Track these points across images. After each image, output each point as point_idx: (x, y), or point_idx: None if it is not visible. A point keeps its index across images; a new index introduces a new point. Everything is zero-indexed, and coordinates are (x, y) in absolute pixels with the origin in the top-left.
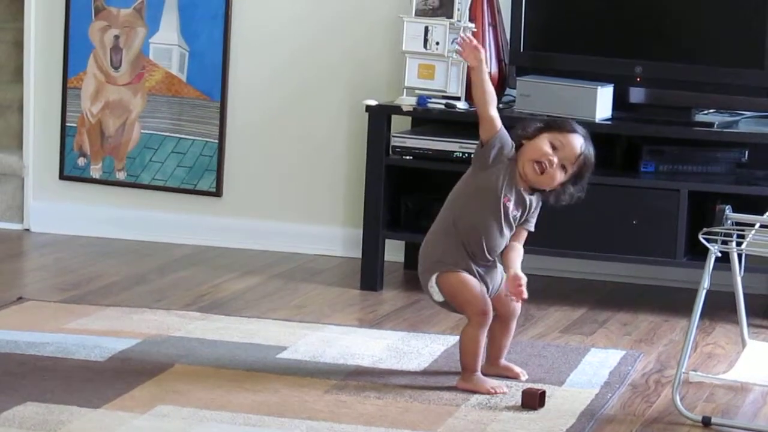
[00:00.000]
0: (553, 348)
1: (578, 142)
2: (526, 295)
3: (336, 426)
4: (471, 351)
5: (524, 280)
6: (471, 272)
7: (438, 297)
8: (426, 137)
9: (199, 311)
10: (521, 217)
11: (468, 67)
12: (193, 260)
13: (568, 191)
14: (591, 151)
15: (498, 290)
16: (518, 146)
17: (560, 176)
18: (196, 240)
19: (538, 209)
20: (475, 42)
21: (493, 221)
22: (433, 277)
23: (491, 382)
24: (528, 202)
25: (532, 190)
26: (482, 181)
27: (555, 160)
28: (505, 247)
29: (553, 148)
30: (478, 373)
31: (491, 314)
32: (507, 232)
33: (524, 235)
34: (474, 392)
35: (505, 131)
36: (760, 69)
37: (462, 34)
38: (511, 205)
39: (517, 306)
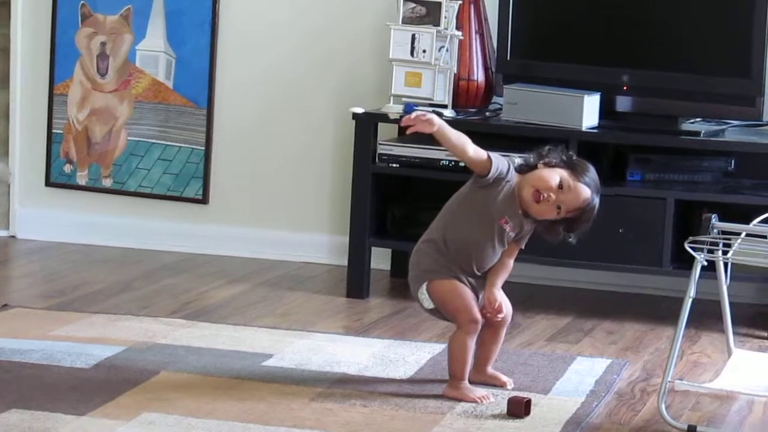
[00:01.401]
0: (539, 356)
1: (584, 195)
2: (501, 316)
3: None
4: (459, 358)
5: (498, 302)
6: (461, 281)
7: (428, 304)
8: (413, 145)
9: (185, 318)
10: (515, 236)
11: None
12: (180, 267)
13: (558, 230)
14: (593, 207)
15: None
16: (533, 167)
17: (552, 214)
18: (183, 247)
19: (532, 231)
20: (421, 114)
21: (486, 241)
22: (424, 285)
23: (478, 392)
24: (523, 225)
25: (526, 214)
26: (480, 199)
27: (552, 197)
28: (496, 264)
29: (559, 186)
30: (466, 381)
31: (481, 322)
32: (499, 251)
33: (516, 251)
34: (460, 400)
35: (496, 156)
36: (747, 78)
37: (408, 117)
38: (508, 227)
39: (508, 314)
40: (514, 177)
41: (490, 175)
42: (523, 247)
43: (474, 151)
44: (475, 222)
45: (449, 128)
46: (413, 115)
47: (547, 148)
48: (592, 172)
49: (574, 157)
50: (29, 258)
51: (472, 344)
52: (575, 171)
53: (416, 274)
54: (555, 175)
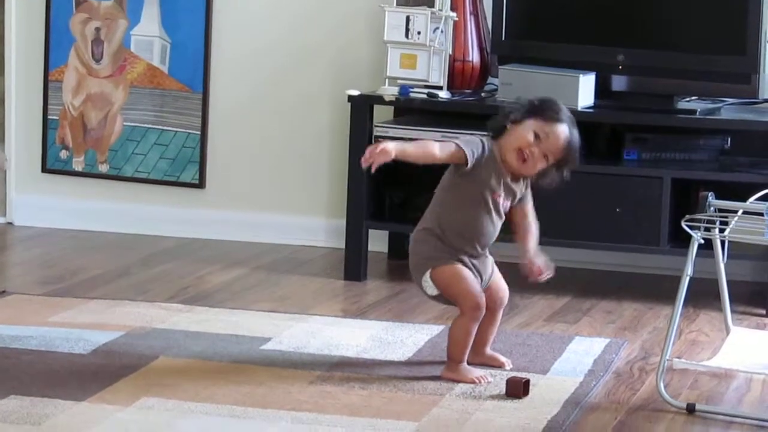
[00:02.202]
0: (537, 337)
1: (563, 133)
2: (547, 276)
3: (321, 417)
4: (460, 342)
5: (537, 265)
6: (464, 264)
7: (432, 291)
8: (408, 127)
9: (182, 303)
10: (512, 202)
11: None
12: (177, 252)
13: (550, 176)
14: (575, 139)
15: (490, 280)
16: (502, 128)
17: (542, 165)
18: (180, 232)
19: (529, 188)
20: (372, 148)
21: (484, 220)
22: (427, 273)
23: (476, 372)
24: (516, 190)
25: (516, 177)
26: (468, 185)
27: (536, 151)
28: (520, 232)
29: (536, 137)
30: (464, 363)
31: (485, 308)
32: (499, 223)
33: (530, 208)
34: (458, 382)
35: (464, 141)
36: (742, 55)
37: (364, 157)
38: (501, 199)
39: (505, 296)
40: (490, 147)
41: (470, 163)
42: (532, 205)
43: (441, 149)
44: (468, 206)
45: (406, 144)
46: (366, 153)
47: (508, 108)
48: (559, 108)
49: (536, 101)
50: (26, 244)
51: (474, 329)
52: (544, 115)
53: (418, 262)
54: (528, 130)
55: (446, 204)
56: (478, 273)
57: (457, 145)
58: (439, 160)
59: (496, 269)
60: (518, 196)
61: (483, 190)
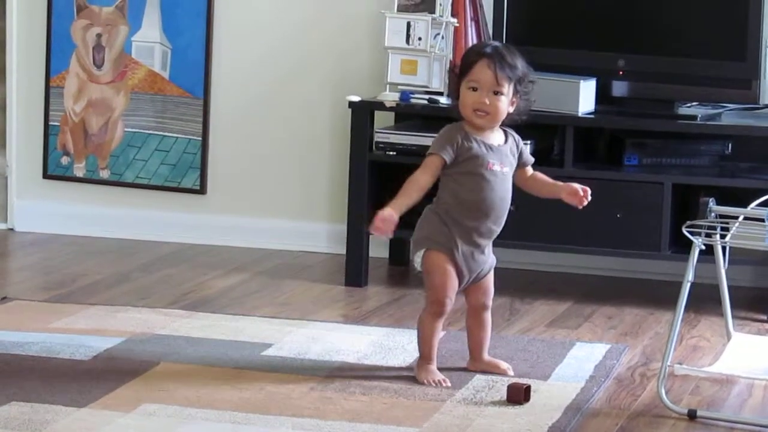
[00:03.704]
0: (539, 342)
1: (486, 66)
2: (586, 201)
3: (321, 422)
4: (423, 337)
5: (577, 187)
6: (456, 257)
7: (420, 268)
8: (409, 133)
9: (183, 309)
10: (511, 166)
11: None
12: (178, 258)
13: (518, 102)
14: (502, 56)
15: (482, 277)
16: (456, 106)
17: (503, 102)
18: (181, 238)
19: (521, 143)
20: (376, 221)
21: (485, 189)
22: (421, 251)
23: (434, 376)
24: (507, 152)
25: (504, 139)
26: (460, 168)
27: (484, 99)
28: (533, 185)
29: (474, 90)
30: (431, 364)
31: (448, 309)
32: (501, 189)
33: (530, 169)
34: (420, 383)
35: (434, 146)
36: (742, 61)
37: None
38: (496, 167)
39: (488, 300)
40: (460, 128)
41: (449, 160)
42: (532, 160)
43: (424, 173)
44: (469, 185)
45: (399, 197)
46: (372, 228)
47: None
48: (471, 51)
49: (454, 67)
50: (27, 250)
51: (436, 326)
52: (465, 68)
53: (418, 238)
54: (463, 92)
55: (450, 188)
56: (468, 269)
57: (431, 155)
58: (431, 182)
59: (491, 273)
60: (513, 159)
61: (476, 168)
